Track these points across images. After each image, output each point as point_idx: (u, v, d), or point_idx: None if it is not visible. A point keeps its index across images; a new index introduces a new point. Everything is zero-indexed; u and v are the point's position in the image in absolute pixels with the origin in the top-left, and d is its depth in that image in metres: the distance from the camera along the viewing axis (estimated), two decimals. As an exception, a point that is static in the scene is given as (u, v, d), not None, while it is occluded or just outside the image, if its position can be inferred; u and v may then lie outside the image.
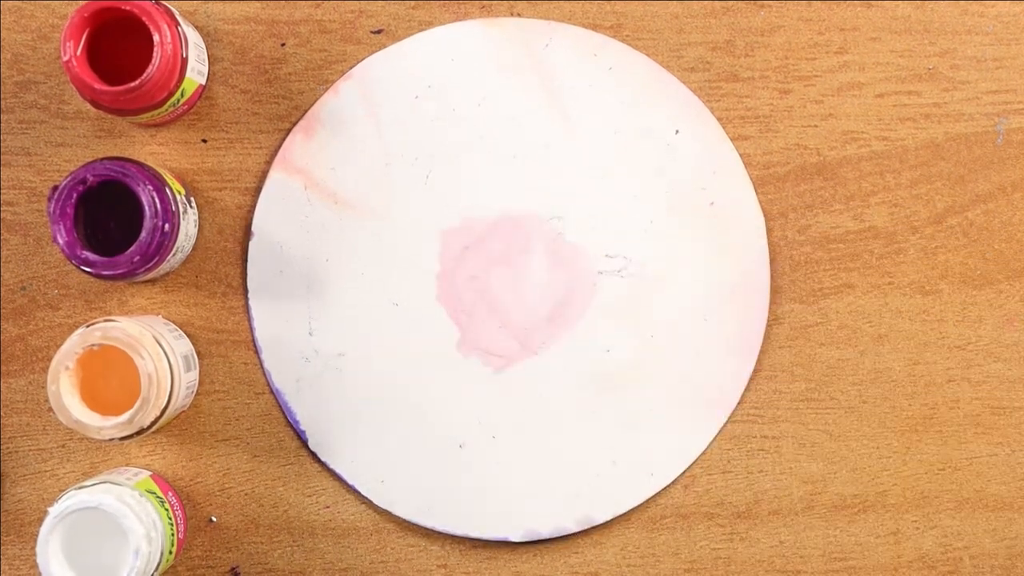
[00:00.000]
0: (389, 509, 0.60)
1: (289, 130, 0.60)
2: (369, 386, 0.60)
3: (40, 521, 0.54)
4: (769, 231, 0.61)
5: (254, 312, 0.60)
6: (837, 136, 0.61)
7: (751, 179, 0.61)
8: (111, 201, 0.55)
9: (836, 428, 0.61)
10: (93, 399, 0.55)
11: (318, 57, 0.60)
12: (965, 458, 0.61)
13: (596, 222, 0.60)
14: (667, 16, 0.61)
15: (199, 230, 0.60)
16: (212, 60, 0.60)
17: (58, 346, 0.54)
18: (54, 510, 0.54)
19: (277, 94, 0.60)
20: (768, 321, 0.61)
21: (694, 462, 0.61)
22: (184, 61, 0.56)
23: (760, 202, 0.61)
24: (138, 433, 0.55)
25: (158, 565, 0.55)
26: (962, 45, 0.61)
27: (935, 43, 0.61)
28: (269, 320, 0.60)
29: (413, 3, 0.60)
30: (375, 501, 0.60)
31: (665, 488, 0.61)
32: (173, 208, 0.55)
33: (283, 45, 0.60)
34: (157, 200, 0.54)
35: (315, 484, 0.61)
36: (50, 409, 0.58)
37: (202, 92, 0.60)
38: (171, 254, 0.56)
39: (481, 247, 0.60)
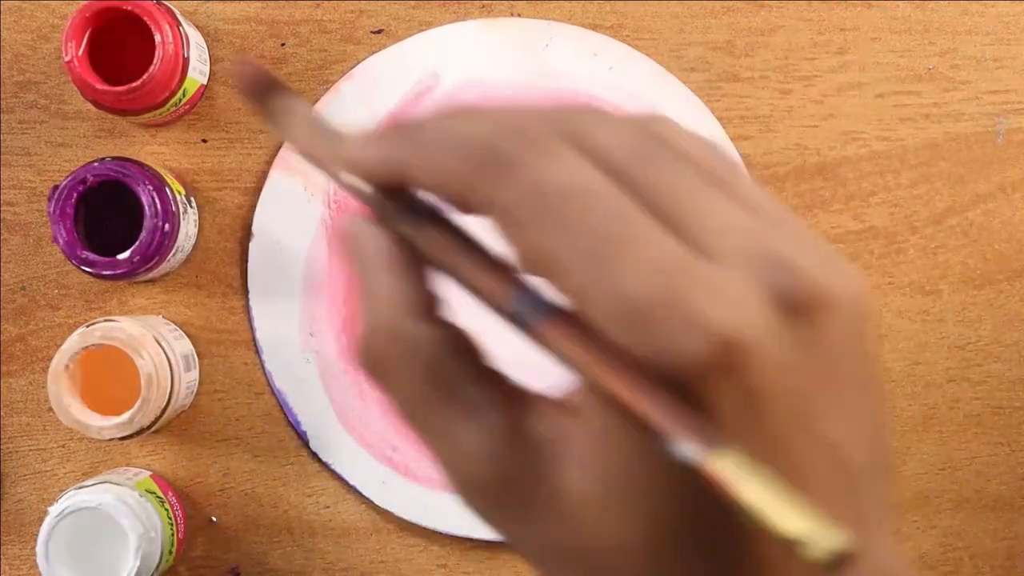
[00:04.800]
0: (389, 509, 0.60)
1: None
2: (371, 387, 0.60)
3: (40, 521, 0.54)
4: (769, 231, 0.61)
5: (255, 313, 0.60)
6: (837, 136, 0.61)
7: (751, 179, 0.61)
8: (111, 201, 0.55)
9: (836, 428, 0.61)
10: (93, 399, 0.55)
11: (318, 57, 0.60)
12: (965, 458, 0.61)
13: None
14: (667, 16, 0.61)
15: (199, 230, 0.60)
16: (213, 60, 0.60)
17: (58, 346, 0.54)
18: (54, 510, 0.54)
19: (277, 94, 0.60)
20: (768, 321, 0.61)
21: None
22: (186, 61, 0.56)
23: (760, 202, 0.61)
24: (138, 433, 0.55)
25: (158, 565, 0.55)
26: (962, 45, 0.61)
27: (935, 43, 0.61)
28: (270, 321, 0.60)
29: (413, 3, 0.60)
30: (375, 501, 0.60)
31: (665, 488, 0.61)
32: (173, 208, 0.55)
33: (283, 45, 0.60)
34: (157, 200, 0.54)
35: (315, 484, 0.61)
36: (50, 409, 0.58)
37: (203, 92, 0.60)
38: (171, 254, 0.56)
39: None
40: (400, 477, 0.60)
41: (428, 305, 0.27)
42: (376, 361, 0.27)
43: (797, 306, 0.24)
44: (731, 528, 0.24)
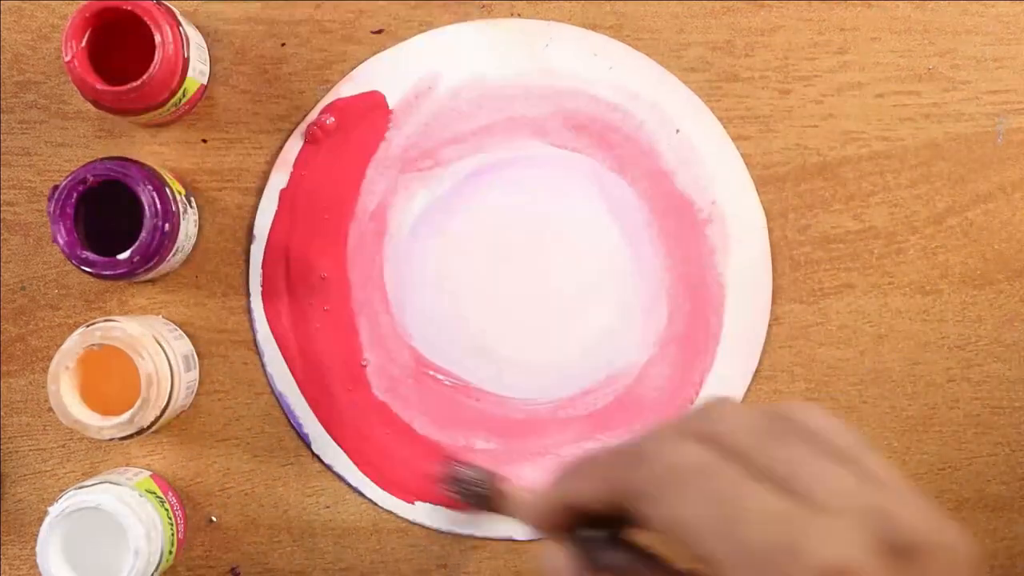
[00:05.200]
0: (390, 509, 0.60)
1: (291, 131, 0.60)
2: (373, 389, 0.60)
3: (40, 521, 0.54)
4: (769, 231, 0.61)
5: (255, 315, 0.60)
6: (837, 136, 0.61)
7: (751, 179, 0.61)
8: (111, 201, 0.55)
9: (836, 428, 0.61)
10: (93, 399, 0.55)
11: (318, 57, 0.60)
12: (965, 458, 0.61)
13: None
14: (667, 16, 0.61)
15: (199, 230, 0.60)
16: (212, 60, 0.60)
17: (58, 346, 0.54)
18: (54, 510, 0.54)
19: (277, 94, 0.60)
20: (768, 321, 0.61)
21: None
22: (186, 61, 0.56)
23: (760, 202, 0.61)
24: (138, 433, 0.55)
25: (158, 565, 0.55)
26: (962, 45, 0.61)
27: (935, 43, 0.61)
28: (272, 323, 0.60)
29: (413, 3, 0.60)
30: (376, 501, 0.60)
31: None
32: (173, 208, 0.55)
33: (283, 45, 0.60)
34: (157, 200, 0.54)
35: (315, 484, 0.61)
36: (50, 409, 0.58)
37: (204, 92, 0.60)
38: (171, 254, 0.56)
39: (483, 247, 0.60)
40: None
41: None
42: None
43: (899, 549, 0.29)
44: None
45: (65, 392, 0.54)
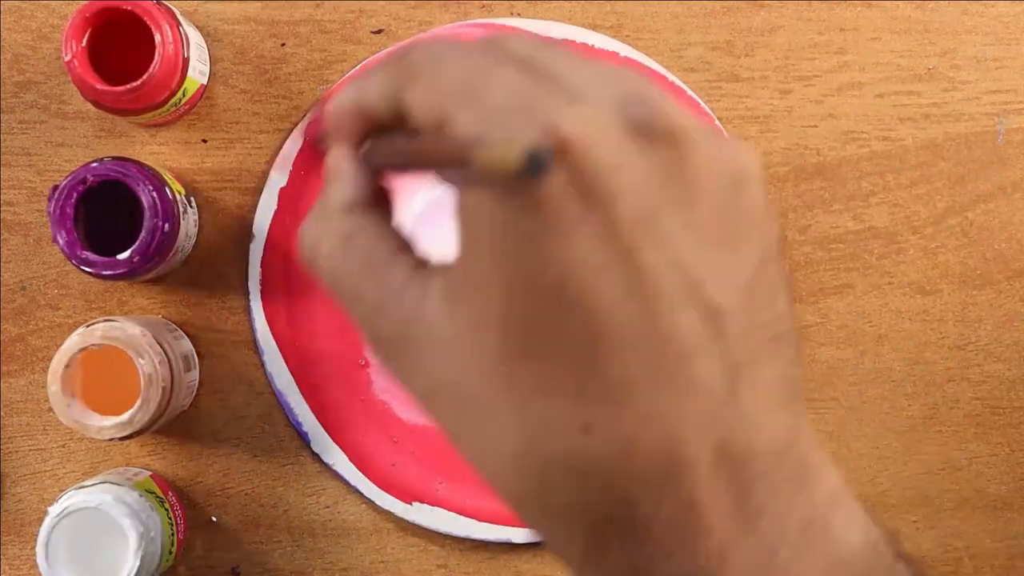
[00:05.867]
0: (389, 509, 0.60)
1: (290, 130, 0.60)
2: (374, 388, 0.60)
3: (40, 521, 0.54)
4: (769, 231, 0.61)
5: (256, 315, 0.60)
6: (837, 136, 0.61)
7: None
8: (111, 201, 0.55)
9: (836, 428, 0.61)
10: (93, 399, 0.55)
11: (318, 57, 0.60)
12: (965, 458, 0.61)
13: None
14: (667, 16, 0.61)
15: (199, 230, 0.60)
16: (212, 60, 0.60)
17: (58, 346, 0.54)
18: (54, 510, 0.54)
19: (277, 94, 0.60)
20: (768, 321, 0.61)
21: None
22: (186, 61, 0.56)
23: (760, 202, 0.61)
24: (138, 433, 0.55)
25: (158, 565, 0.55)
26: (962, 45, 0.61)
27: (935, 43, 0.61)
28: (272, 323, 0.60)
29: (413, 3, 0.60)
30: (376, 501, 0.60)
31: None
32: (173, 208, 0.55)
33: (283, 45, 0.60)
34: (157, 200, 0.54)
35: (315, 484, 0.61)
36: (50, 409, 0.58)
37: (204, 92, 0.60)
38: (171, 254, 0.56)
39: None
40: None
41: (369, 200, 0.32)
42: (314, 244, 0.31)
43: (653, 133, 0.27)
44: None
45: (65, 392, 0.54)
